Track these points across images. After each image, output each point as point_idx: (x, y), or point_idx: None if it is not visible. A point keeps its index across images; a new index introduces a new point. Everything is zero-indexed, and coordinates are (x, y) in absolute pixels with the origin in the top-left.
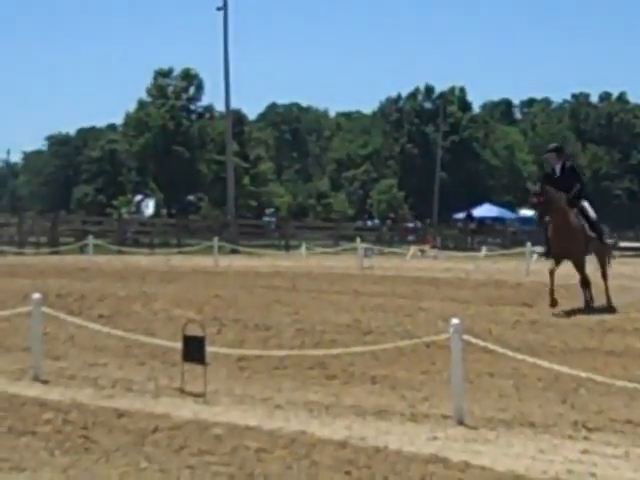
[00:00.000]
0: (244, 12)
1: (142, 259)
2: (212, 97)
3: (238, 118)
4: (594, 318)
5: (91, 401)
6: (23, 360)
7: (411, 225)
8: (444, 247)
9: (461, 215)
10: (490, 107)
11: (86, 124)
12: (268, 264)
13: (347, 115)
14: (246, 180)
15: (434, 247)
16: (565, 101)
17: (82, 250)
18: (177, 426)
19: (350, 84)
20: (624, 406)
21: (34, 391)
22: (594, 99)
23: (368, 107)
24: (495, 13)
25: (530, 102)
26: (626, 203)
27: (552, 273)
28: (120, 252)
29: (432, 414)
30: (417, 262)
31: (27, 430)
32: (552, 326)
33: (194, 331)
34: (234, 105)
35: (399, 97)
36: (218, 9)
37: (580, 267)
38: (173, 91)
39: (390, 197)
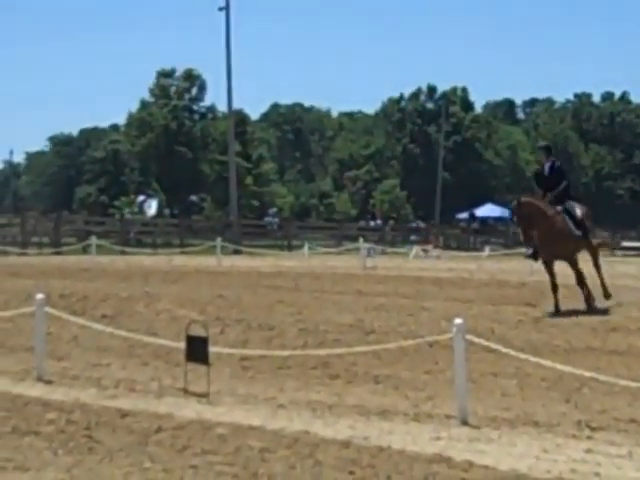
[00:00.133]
0: (246, 12)
1: (145, 259)
2: (214, 97)
3: (240, 118)
4: (597, 318)
5: (94, 401)
6: (26, 360)
7: (414, 225)
8: (447, 247)
9: (464, 215)
10: (492, 107)
11: (89, 124)
12: (271, 264)
13: (349, 115)
14: (249, 180)
15: (437, 247)
16: (568, 101)
17: (85, 250)
18: (180, 426)
19: (352, 84)
20: (627, 405)
21: (37, 391)
22: (596, 99)
23: (370, 107)
24: (497, 13)
25: (532, 102)
26: (629, 203)
27: (550, 271)
28: (123, 252)
29: (435, 414)
30: (420, 262)
31: (31, 430)
32: (555, 326)
33: (197, 331)
34: (236, 105)
35: (401, 97)
36: (220, 9)
37: (573, 264)
38: (175, 91)
39: (392, 197)
